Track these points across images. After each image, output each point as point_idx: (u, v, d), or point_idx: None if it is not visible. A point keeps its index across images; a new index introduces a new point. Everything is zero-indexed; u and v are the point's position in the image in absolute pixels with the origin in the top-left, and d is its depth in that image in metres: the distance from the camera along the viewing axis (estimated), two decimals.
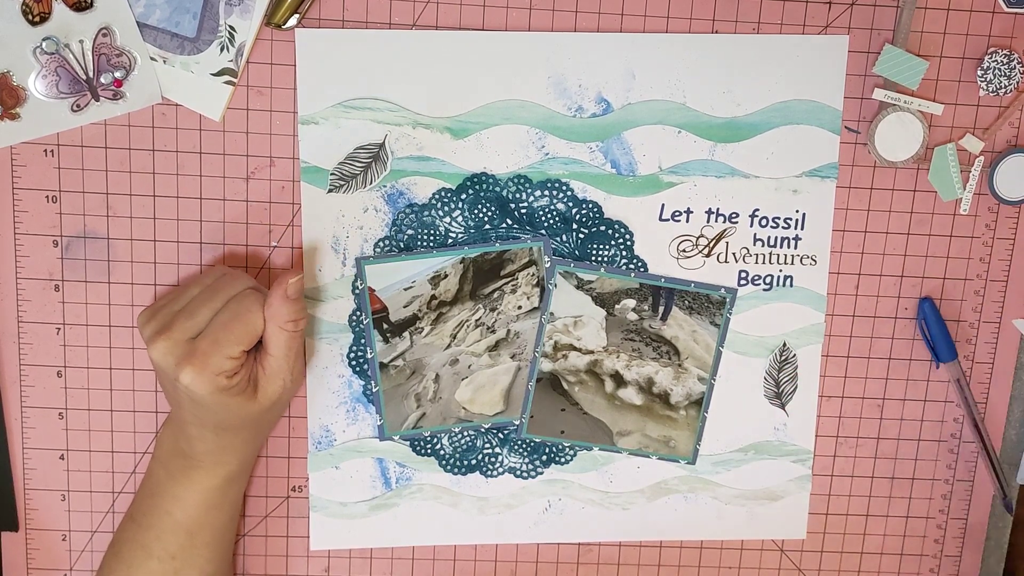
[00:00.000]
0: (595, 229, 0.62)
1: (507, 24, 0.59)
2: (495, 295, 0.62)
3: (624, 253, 0.62)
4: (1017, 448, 0.66)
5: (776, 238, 0.63)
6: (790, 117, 0.61)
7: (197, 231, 0.60)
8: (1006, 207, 0.63)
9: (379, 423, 0.63)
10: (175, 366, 0.53)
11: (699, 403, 0.64)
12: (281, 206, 0.60)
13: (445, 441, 0.64)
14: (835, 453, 0.66)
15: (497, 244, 0.61)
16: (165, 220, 0.60)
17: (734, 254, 0.63)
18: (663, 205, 0.62)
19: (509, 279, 0.62)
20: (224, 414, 0.55)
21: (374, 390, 0.62)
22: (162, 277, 0.61)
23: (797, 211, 0.62)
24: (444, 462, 0.64)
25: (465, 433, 0.64)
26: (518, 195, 0.61)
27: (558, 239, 0.61)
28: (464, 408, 0.63)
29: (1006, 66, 0.60)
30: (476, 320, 0.62)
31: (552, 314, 0.62)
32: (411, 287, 0.61)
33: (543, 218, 0.61)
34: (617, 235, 0.62)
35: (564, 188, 0.61)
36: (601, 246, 0.62)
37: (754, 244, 0.63)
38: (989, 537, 0.68)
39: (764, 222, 0.62)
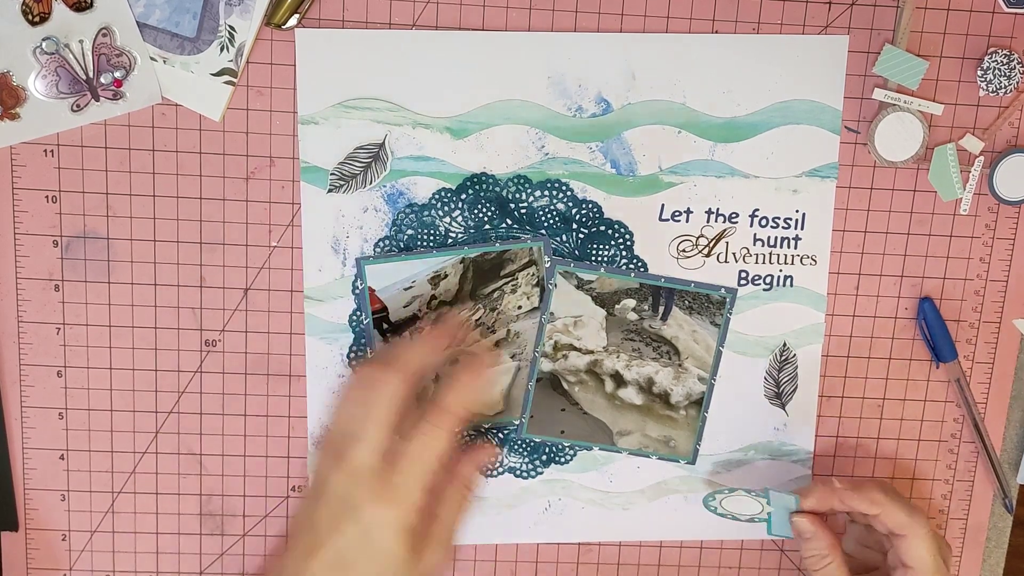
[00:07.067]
0: (595, 229, 0.61)
1: (507, 24, 0.59)
2: (495, 295, 0.62)
3: (624, 253, 0.62)
4: (1017, 448, 0.66)
5: (776, 238, 0.63)
6: (790, 117, 0.61)
7: (197, 231, 0.60)
8: (1006, 207, 0.63)
9: None
10: (368, 496, 0.49)
11: (699, 403, 0.64)
12: (281, 206, 0.61)
13: None
14: (835, 453, 0.66)
15: (497, 244, 0.61)
16: (165, 220, 0.60)
17: (734, 254, 0.63)
18: (663, 205, 0.62)
19: (509, 279, 0.62)
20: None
21: None
22: (162, 277, 0.61)
23: (797, 211, 0.62)
24: None
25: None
26: (518, 195, 0.61)
27: (558, 239, 0.61)
28: None
29: (1006, 66, 0.60)
30: (476, 320, 0.62)
31: (552, 314, 0.62)
32: (411, 287, 0.61)
33: (543, 218, 0.61)
34: (617, 235, 0.62)
35: (564, 188, 0.61)
36: (601, 246, 0.62)
37: (754, 244, 0.63)
38: (989, 537, 0.68)
39: (764, 222, 0.62)
